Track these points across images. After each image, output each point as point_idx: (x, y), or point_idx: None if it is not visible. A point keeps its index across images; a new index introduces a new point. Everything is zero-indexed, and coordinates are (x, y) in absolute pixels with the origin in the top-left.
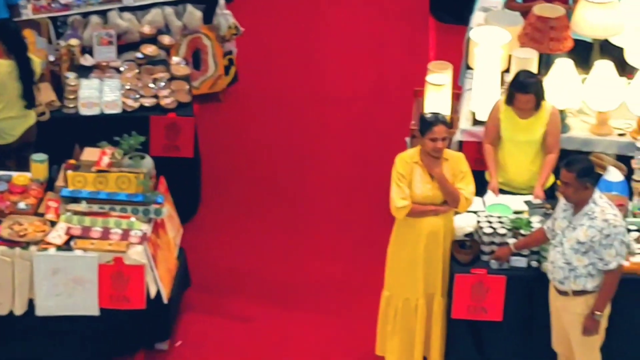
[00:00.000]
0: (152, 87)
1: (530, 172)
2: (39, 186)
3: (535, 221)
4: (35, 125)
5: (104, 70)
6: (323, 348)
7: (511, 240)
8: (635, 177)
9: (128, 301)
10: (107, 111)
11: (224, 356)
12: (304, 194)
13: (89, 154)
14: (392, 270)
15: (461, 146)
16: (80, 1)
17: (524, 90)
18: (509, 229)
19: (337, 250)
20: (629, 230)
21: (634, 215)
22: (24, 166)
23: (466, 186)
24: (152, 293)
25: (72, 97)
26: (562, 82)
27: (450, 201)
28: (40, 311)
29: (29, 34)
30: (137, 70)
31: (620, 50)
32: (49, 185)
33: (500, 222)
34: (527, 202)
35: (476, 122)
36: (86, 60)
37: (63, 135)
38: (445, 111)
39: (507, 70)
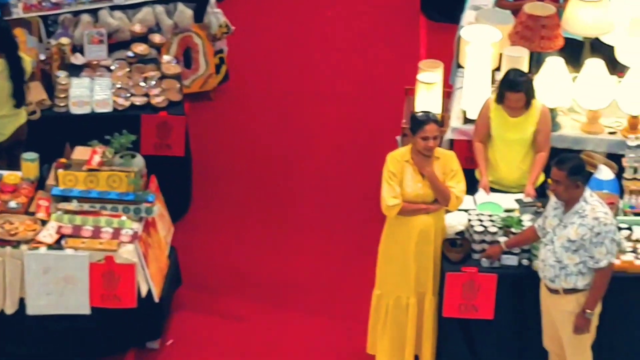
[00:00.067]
0: (143, 85)
1: (520, 171)
2: (30, 185)
3: (526, 219)
4: (26, 124)
5: (94, 69)
6: (314, 346)
7: (502, 239)
8: (625, 175)
9: (119, 300)
10: (98, 110)
11: (215, 355)
12: (295, 193)
13: (80, 152)
14: (383, 269)
15: (452, 144)
16: (71, 0)
17: (514, 88)
18: (500, 228)
19: (328, 248)
20: (620, 229)
21: (625, 214)
22: (14, 165)
23: (457, 184)
24: (143, 292)
25: (62, 96)
26: (553, 80)
27: (440, 199)
28: (31, 310)
29: (19, 33)
30: (128, 69)
31: (611, 48)
32: (40, 184)
33: (491, 221)
34: (518, 201)
35: (467, 121)
36: (77, 59)
37: (54, 134)
38: (436, 110)
39: (498, 69)
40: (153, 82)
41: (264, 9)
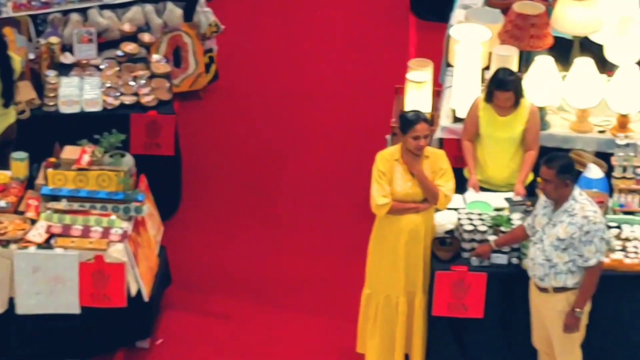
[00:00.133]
0: (132, 85)
1: (509, 170)
2: (19, 184)
3: (516, 218)
4: (16, 124)
5: (84, 68)
6: (304, 345)
7: (492, 238)
8: (615, 174)
9: (109, 299)
10: (88, 109)
11: (205, 354)
12: (284, 192)
13: (69, 152)
14: (372, 268)
15: (442, 143)
16: None
17: (503, 87)
18: (489, 226)
19: (318, 247)
20: (609, 227)
21: (614, 212)
22: (4, 164)
23: (445, 183)
24: (133, 291)
25: (52, 95)
26: (542, 79)
27: (429, 198)
28: (20, 310)
29: (8, 32)
30: (117, 68)
31: (600, 47)
32: (29, 183)
33: (481, 219)
34: (508, 199)
35: (457, 120)
36: (66, 58)
37: (43, 133)
38: (426, 109)
39: (487, 68)
40: (142, 81)
41: (253, 8)
